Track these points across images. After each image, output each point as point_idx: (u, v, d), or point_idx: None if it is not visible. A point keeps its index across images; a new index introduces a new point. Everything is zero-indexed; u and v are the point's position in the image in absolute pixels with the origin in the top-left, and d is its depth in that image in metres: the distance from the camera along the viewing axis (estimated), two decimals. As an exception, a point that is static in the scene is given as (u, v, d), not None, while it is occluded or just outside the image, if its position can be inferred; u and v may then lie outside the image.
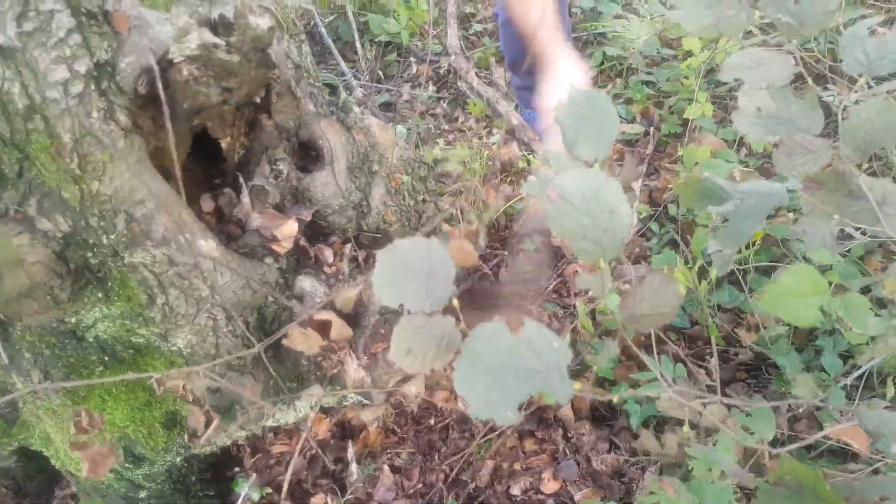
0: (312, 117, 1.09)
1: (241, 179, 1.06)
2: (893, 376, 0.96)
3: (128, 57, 0.83)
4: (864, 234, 1.08)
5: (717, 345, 1.40)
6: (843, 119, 0.64)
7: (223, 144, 1.02)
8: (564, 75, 1.14)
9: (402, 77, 2.59)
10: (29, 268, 0.81)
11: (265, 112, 1.03)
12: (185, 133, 0.97)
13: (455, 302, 0.59)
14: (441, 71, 2.53)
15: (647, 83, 2.19)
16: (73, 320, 0.91)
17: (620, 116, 2.09)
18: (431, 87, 2.45)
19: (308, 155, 1.13)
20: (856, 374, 0.97)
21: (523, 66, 1.94)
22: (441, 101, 2.42)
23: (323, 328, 1.12)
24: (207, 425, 1.08)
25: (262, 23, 0.81)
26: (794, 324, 1.01)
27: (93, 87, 0.81)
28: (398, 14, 2.65)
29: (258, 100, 0.95)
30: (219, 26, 0.80)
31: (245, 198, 1.07)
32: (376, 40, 2.63)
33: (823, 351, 1.16)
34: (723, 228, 0.69)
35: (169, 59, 0.85)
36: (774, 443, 1.06)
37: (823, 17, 0.67)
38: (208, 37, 0.78)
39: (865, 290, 1.20)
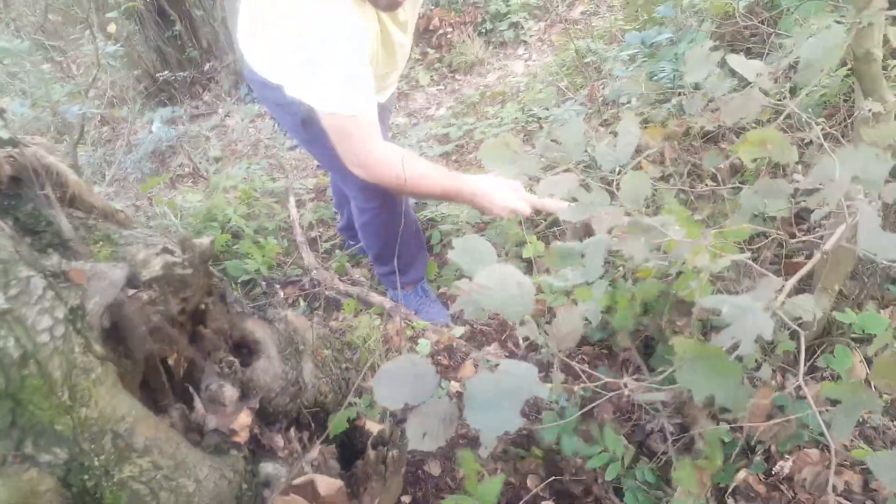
0: (240, 318, 1.31)
1: (191, 389, 1.22)
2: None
3: (92, 299, 1.03)
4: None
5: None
6: (618, 190, 1.06)
7: (170, 361, 1.20)
8: (494, 183, 1.57)
9: (271, 304, 2.85)
10: (41, 497, 0.89)
11: (202, 323, 1.24)
12: (140, 357, 1.14)
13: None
14: (306, 288, 2.84)
15: (481, 243, 2.69)
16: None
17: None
18: (302, 303, 2.73)
19: (241, 353, 1.33)
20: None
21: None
22: (316, 311, 2.70)
23: (304, 494, 1.24)
24: None
25: (204, 241, 1.08)
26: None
27: (71, 327, 0.99)
28: (252, 254, 2.99)
29: (203, 306, 1.17)
30: (170, 250, 1.05)
31: (198, 404, 1.22)
32: (239, 281, 2.91)
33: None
34: (585, 266, 1.04)
35: (126, 292, 1.06)
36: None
37: (577, 146, 1.11)
38: (169, 258, 1.03)
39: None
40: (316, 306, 2.74)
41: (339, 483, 1.19)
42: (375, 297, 2.54)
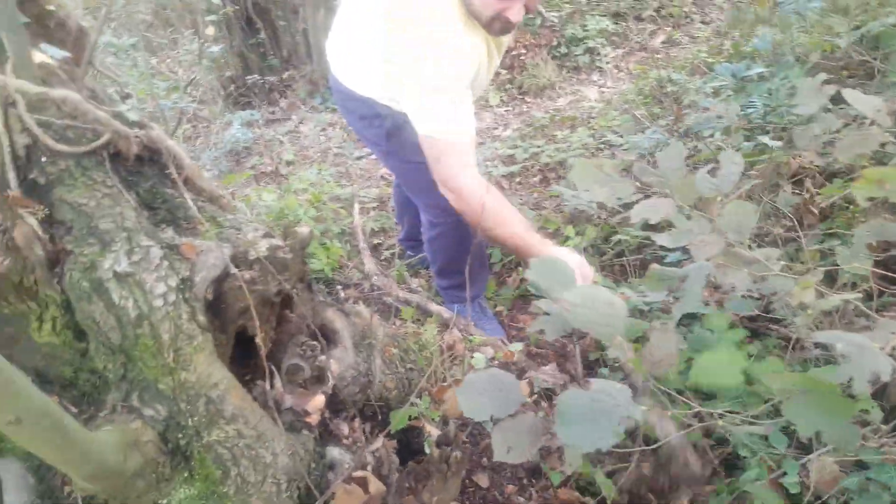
0: (322, 307, 1.40)
1: (272, 368, 1.31)
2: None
3: (200, 273, 1.14)
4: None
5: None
6: (719, 217, 1.09)
7: (257, 340, 1.29)
8: (565, 259, 1.55)
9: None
10: (143, 446, 0.98)
11: (288, 307, 1.33)
12: (232, 332, 1.24)
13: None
14: (366, 292, 2.94)
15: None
16: (163, 503, 1.05)
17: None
18: (362, 305, 2.82)
19: (319, 340, 1.42)
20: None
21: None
22: (373, 315, 2.79)
23: (362, 485, 1.30)
24: None
25: (304, 230, 1.17)
26: (721, 388, 1.37)
27: (181, 296, 1.09)
28: (317, 254, 3.11)
29: (295, 292, 1.26)
30: (273, 236, 1.14)
31: (278, 382, 1.30)
32: (303, 279, 3.03)
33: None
34: (681, 299, 1.06)
35: (226, 272, 1.16)
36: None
37: (676, 171, 1.15)
38: (274, 241, 1.12)
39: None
40: (375, 310, 2.83)
41: (383, 488, 1.24)
42: (434, 307, 2.61)
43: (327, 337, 1.41)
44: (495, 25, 1.58)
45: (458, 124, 1.57)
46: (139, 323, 1.04)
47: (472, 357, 2.26)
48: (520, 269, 2.78)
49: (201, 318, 1.11)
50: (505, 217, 1.64)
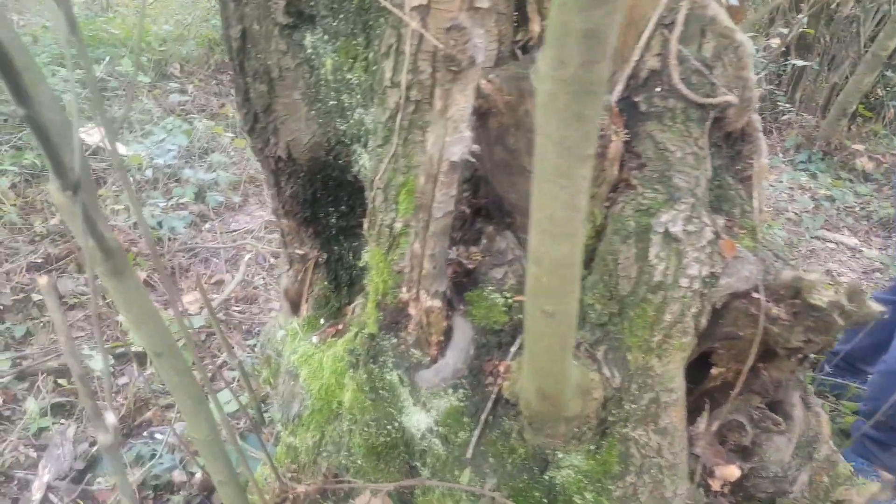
0: (792, 385, 1.19)
1: (706, 406, 1.17)
2: None
3: (728, 278, 1.03)
4: None
5: None
6: None
7: (715, 372, 1.16)
8: None
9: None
10: (588, 400, 0.96)
11: (763, 364, 1.16)
12: (698, 350, 1.13)
13: None
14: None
15: None
16: (558, 455, 1.03)
17: None
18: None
19: (765, 413, 1.22)
20: None
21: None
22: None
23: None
24: None
25: (875, 307, 0.97)
26: None
27: (700, 289, 1.00)
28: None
29: (798, 355, 1.09)
30: (847, 295, 0.96)
31: (702, 424, 1.16)
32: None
33: None
34: None
35: (750, 292, 1.04)
36: None
37: None
38: (842, 300, 0.95)
39: None
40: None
41: None
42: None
43: (776, 418, 1.20)
44: None
45: None
46: (655, 289, 0.99)
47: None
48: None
49: (703, 321, 1.02)
50: None
